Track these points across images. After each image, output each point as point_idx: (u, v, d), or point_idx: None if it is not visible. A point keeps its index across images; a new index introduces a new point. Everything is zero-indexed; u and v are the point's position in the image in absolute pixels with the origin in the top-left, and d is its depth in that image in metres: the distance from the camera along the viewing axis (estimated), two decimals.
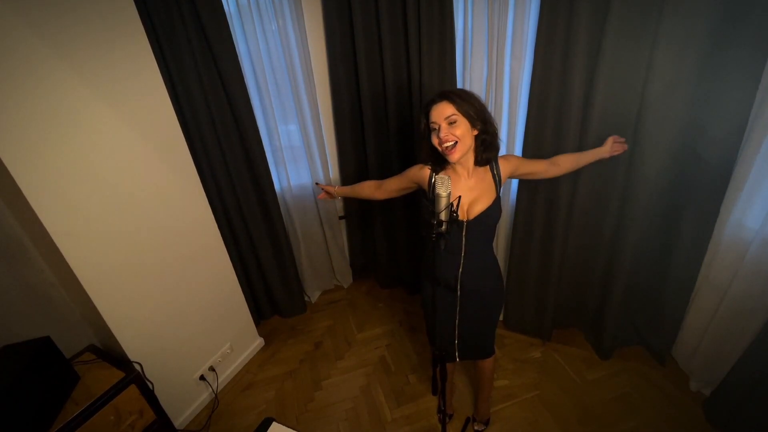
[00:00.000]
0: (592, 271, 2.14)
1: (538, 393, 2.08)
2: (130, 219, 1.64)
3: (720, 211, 1.70)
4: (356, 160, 2.55)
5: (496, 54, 1.89)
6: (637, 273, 1.98)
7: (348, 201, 2.72)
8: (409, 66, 2.06)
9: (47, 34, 1.30)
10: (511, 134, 2.02)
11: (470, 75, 2.01)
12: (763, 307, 1.63)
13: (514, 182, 2.12)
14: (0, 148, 1.23)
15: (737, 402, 1.69)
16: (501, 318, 2.48)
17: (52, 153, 1.36)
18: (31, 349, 1.44)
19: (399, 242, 2.69)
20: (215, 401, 2.17)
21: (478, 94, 1.37)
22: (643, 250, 1.91)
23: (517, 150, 1.99)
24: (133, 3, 1.54)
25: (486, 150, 1.38)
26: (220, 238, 2.11)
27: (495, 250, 1.77)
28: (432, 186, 1.50)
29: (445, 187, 1.09)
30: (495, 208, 1.40)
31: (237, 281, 2.27)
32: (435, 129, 1.33)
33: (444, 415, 1.54)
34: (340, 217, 2.81)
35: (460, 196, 1.31)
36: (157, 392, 1.74)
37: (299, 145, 2.43)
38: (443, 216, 1.11)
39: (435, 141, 1.34)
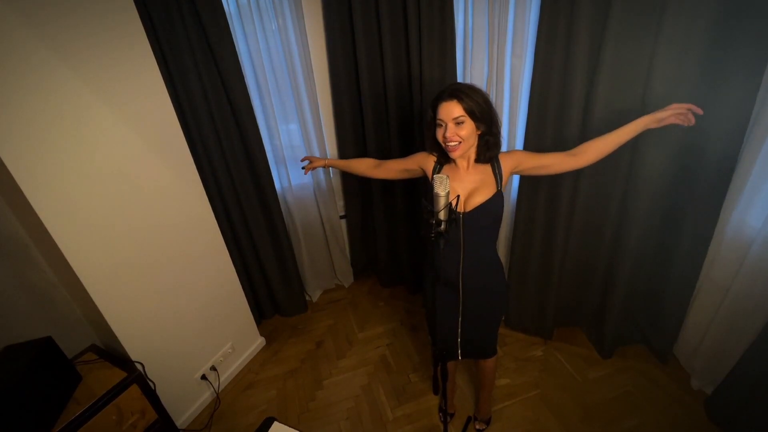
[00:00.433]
0: (593, 270, 2.13)
1: (539, 392, 2.08)
2: (131, 219, 1.64)
3: (721, 210, 1.69)
4: None
5: (496, 52, 1.89)
6: (638, 272, 1.98)
7: (349, 201, 2.72)
8: (410, 65, 2.06)
9: (48, 34, 1.30)
10: (512, 133, 2.02)
11: (471, 74, 2.01)
12: (765, 306, 1.63)
13: (515, 181, 2.11)
14: (1, 148, 1.23)
15: (739, 400, 1.68)
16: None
17: (52, 153, 1.36)
18: (33, 349, 1.44)
19: (400, 241, 2.70)
20: (217, 401, 2.17)
21: (486, 91, 1.36)
22: (645, 248, 1.91)
23: (518, 149, 1.98)
24: (133, 3, 1.54)
25: (489, 149, 1.39)
26: (221, 237, 2.11)
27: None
28: (431, 183, 1.52)
29: (444, 187, 1.09)
30: (494, 202, 1.39)
31: (238, 281, 2.27)
32: (441, 126, 1.34)
33: (445, 414, 1.54)
34: (341, 217, 2.81)
35: (459, 195, 1.31)
36: (158, 392, 1.75)
37: (300, 145, 2.43)
38: (442, 215, 1.11)
39: (440, 137, 1.35)
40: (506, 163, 1.43)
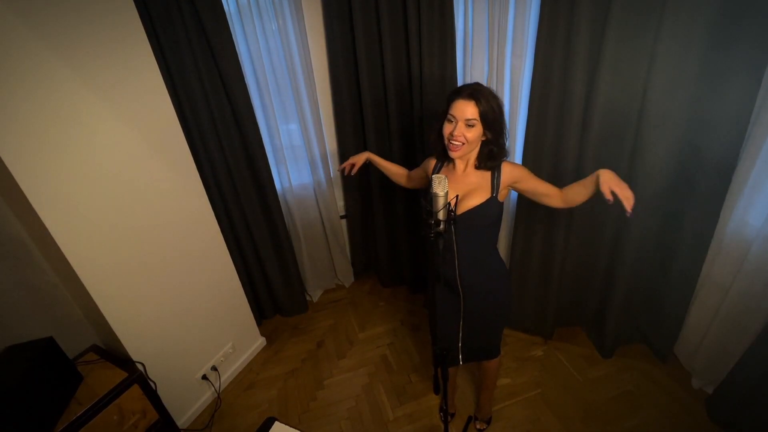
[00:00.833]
0: (593, 269, 2.13)
1: (540, 391, 2.08)
2: (131, 219, 1.65)
3: (722, 209, 1.69)
4: None
5: (496, 52, 1.89)
6: (639, 271, 1.98)
7: (349, 201, 2.72)
8: (410, 65, 2.06)
9: (47, 34, 1.30)
10: (512, 133, 2.01)
11: (471, 73, 2.01)
12: (766, 305, 1.63)
13: None
14: (1, 148, 1.24)
15: (740, 400, 1.68)
16: None
17: (53, 153, 1.37)
18: (35, 349, 1.45)
19: (400, 241, 2.70)
20: (218, 401, 2.18)
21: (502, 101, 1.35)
22: (645, 248, 1.90)
23: (518, 149, 1.98)
24: (133, 3, 1.54)
25: (490, 158, 1.38)
26: (222, 237, 2.11)
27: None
28: (429, 182, 1.53)
29: (442, 187, 1.09)
30: (487, 207, 1.37)
31: (239, 281, 2.27)
32: (451, 122, 1.33)
33: (446, 414, 1.54)
34: (342, 216, 2.82)
35: (457, 195, 1.31)
36: (159, 392, 1.75)
37: (300, 144, 2.43)
38: (441, 215, 1.11)
39: (447, 130, 1.34)
40: (506, 173, 1.40)
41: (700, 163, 1.66)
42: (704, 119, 1.58)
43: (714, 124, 1.56)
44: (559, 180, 1.88)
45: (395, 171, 1.84)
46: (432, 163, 1.57)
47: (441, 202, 1.10)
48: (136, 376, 1.63)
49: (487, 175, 1.40)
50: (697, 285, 1.89)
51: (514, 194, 2.13)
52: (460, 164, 1.44)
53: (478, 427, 1.93)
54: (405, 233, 2.64)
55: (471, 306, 1.53)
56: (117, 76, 1.51)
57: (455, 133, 1.31)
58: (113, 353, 1.77)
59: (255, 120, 2.13)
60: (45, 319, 1.63)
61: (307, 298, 2.89)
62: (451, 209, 1.12)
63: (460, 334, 1.60)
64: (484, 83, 1.97)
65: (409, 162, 2.26)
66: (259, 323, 2.56)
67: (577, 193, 1.40)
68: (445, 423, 1.56)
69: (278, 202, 2.39)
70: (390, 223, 2.67)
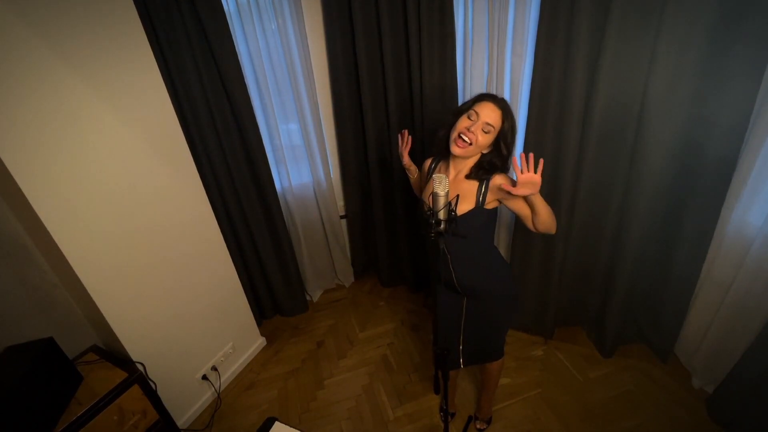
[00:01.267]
0: (594, 269, 2.13)
1: (540, 391, 2.08)
2: (131, 219, 1.64)
3: (722, 209, 1.69)
4: (357, 159, 2.56)
5: (497, 51, 1.89)
6: (639, 270, 1.98)
7: (349, 200, 2.72)
8: (410, 65, 2.06)
9: (47, 34, 1.30)
10: None
11: (471, 73, 2.01)
12: (766, 305, 1.62)
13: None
14: (1, 149, 1.23)
15: (740, 399, 1.68)
16: None
17: (53, 154, 1.36)
18: (35, 350, 1.45)
19: (400, 240, 2.70)
20: (218, 401, 2.17)
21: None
22: (645, 247, 1.90)
23: (518, 148, 1.97)
24: (133, 3, 1.54)
25: (483, 171, 1.36)
26: (222, 237, 2.11)
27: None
28: (428, 178, 1.54)
29: (443, 186, 1.09)
30: (473, 216, 1.35)
31: (239, 281, 2.27)
32: (471, 117, 1.33)
33: (446, 414, 1.54)
34: (341, 216, 2.81)
35: (458, 195, 1.30)
36: (159, 392, 1.75)
37: (300, 144, 2.43)
38: (441, 215, 1.11)
39: (463, 124, 1.33)
40: (495, 188, 1.33)
41: (700, 163, 1.66)
42: (704, 118, 1.58)
43: (714, 123, 1.56)
44: (558, 180, 1.88)
45: (415, 177, 1.77)
46: (427, 163, 1.59)
47: (442, 201, 1.10)
48: (136, 377, 1.63)
49: (475, 185, 1.37)
50: (698, 284, 1.89)
51: None
52: (453, 170, 1.43)
53: (478, 426, 1.93)
54: (405, 233, 2.63)
55: (473, 307, 1.53)
56: (116, 76, 1.51)
57: (473, 128, 1.31)
58: (113, 353, 1.77)
59: (255, 120, 2.13)
60: (45, 320, 1.63)
61: (307, 298, 2.89)
62: (452, 209, 1.12)
63: (462, 336, 1.60)
64: (484, 82, 1.99)
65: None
66: (259, 323, 2.56)
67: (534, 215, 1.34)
68: (446, 423, 1.56)
69: (278, 201, 2.39)
70: (390, 223, 2.66)
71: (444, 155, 1.47)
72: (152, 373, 1.73)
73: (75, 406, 1.49)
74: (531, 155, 1.23)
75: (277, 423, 1.30)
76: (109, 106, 1.51)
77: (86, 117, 1.44)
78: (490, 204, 1.37)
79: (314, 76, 2.28)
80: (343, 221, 2.85)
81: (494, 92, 1.95)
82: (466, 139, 1.32)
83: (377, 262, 2.94)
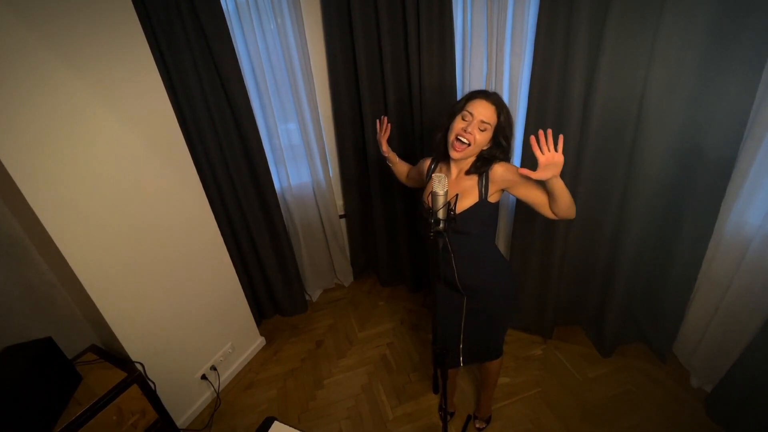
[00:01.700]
0: (593, 269, 2.13)
1: (539, 390, 2.08)
2: (130, 219, 1.64)
3: (721, 208, 1.69)
4: (356, 158, 2.55)
5: (495, 50, 1.89)
6: (638, 270, 1.98)
7: (349, 200, 2.72)
8: (409, 64, 2.06)
9: (47, 34, 1.30)
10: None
11: (470, 72, 2.01)
12: (765, 304, 1.63)
13: None
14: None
15: (739, 398, 1.68)
16: None
17: (51, 153, 1.36)
18: (34, 349, 1.44)
19: (400, 240, 2.70)
20: (217, 400, 2.17)
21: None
22: (644, 246, 1.91)
23: (517, 148, 1.97)
24: (132, 3, 1.54)
25: (482, 164, 1.36)
26: (221, 237, 2.11)
27: None
28: (428, 178, 1.54)
29: (442, 186, 1.09)
30: (477, 210, 1.35)
31: (238, 280, 2.27)
32: (465, 118, 1.32)
33: (445, 413, 1.54)
34: (341, 216, 2.81)
35: (457, 194, 1.30)
36: (159, 392, 1.75)
37: (299, 144, 2.43)
38: (441, 214, 1.11)
39: (458, 125, 1.32)
40: (497, 178, 1.33)
41: (699, 162, 1.66)
42: (703, 117, 1.58)
43: (713, 122, 1.56)
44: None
45: (400, 169, 1.79)
46: (426, 163, 1.57)
47: (441, 201, 1.10)
48: (135, 376, 1.63)
49: (475, 179, 1.38)
50: (696, 284, 1.89)
51: None
52: (454, 169, 1.43)
53: (477, 426, 1.93)
54: (404, 232, 2.63)
55: (473, 305, 1.53)
56: (116, 76, 1.51)
57: (469, 129, 1.30)
58: (112, 353, 1.77)
59: (254, 120, 2.13)
60: (44, 319, 1.63)
61: (307, 297, 2.89)
62: (451, 208, 1.12)
63: (462, 335, 1.60)
64: (483, 82, 1.99)
65: (408, 160, 2.26)
66: (258, 323, 2.56)
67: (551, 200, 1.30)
68: (445, 422, 1.56)
69: (277, 201, 2.39)
70: (389, 222, 2.66)
71: (443, 157, 1.47)
72: (151, 373, 1.73)
73: (74, 406, 1.49)
74: (549, 132, 1.15)
75: (276, 423, 1.30)
76: (108, 106, 1.50)
77: (85, 117, 1.44)
78: (494, 196, 1.36)
79: (313, 76, 2.28)
80: (343, 221, 2.85)
81: (492, 91, 1.97)
82: (464, 140, 1.31)
83: (376, 262, 2.94)
